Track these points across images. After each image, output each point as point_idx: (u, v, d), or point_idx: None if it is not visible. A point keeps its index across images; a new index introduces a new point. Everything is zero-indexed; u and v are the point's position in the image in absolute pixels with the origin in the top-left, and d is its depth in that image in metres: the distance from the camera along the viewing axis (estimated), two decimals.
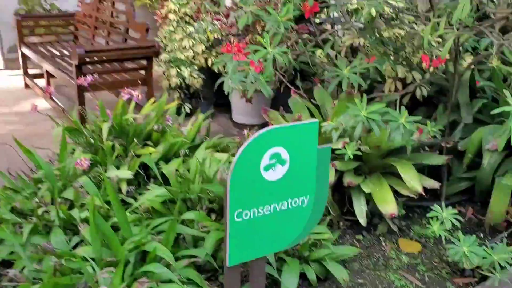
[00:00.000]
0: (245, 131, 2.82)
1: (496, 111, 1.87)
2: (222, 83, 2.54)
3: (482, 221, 2.73)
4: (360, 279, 2.22)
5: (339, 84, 2.50)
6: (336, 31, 2.97)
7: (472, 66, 2.72)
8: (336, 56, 3.21)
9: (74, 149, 2.64)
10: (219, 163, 2.41)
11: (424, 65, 2.07)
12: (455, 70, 2.46)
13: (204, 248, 2.00)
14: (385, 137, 2.59)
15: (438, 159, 2.60)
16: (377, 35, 2.55)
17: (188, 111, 4.03)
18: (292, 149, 1.71)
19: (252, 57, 2.46)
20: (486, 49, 2.90)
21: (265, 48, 2.36)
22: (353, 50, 2.97)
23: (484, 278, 2.24)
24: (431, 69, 2.06)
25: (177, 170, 2.41)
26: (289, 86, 2.94)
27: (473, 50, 3.04)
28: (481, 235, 2.61)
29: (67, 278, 1.78)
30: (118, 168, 2.53)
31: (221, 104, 4.42)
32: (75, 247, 2.05)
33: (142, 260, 1.96)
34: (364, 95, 2.29)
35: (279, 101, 4.43)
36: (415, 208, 2.82)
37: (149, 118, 2.76)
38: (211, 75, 4.32)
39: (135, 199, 2.42)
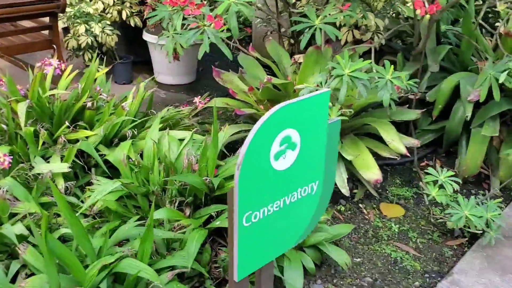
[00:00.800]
0: (196, 99, 2.40)
1: None
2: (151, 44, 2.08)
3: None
4: (356, 258, 2.00)
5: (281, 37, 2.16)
6: None
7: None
8: (277, 4, 2.83)
9: None
10: (181, 144, 1.99)
11: (418, 11, 1.80)
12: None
13: (187, 254, 1.62)
14: (355, 95, 2.34)
15: (411, 114, 2.41)
16: None
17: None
18: (302, 128, 1.37)
19: (205, 9, 2.03)
20: None
21: None
22: None
23: (473, 236, 2.14)
24: (427, 16, 1.80)
25: (129, 158, 1.95)
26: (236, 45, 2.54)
27: None
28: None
29: None
30: (46, 159, 2.01)
31: (140, 62, 3.88)
32: (14, 278, 1.55)
33: (113, 281, 1.54)
34: (346, 50, 1.98)
35: (211, 58, 3.99)
36: (384, 167, 2.65)
37: (75, 92, 2.22)
38: (126, 31, 3.73)
39: (77, 197, 1.95)
